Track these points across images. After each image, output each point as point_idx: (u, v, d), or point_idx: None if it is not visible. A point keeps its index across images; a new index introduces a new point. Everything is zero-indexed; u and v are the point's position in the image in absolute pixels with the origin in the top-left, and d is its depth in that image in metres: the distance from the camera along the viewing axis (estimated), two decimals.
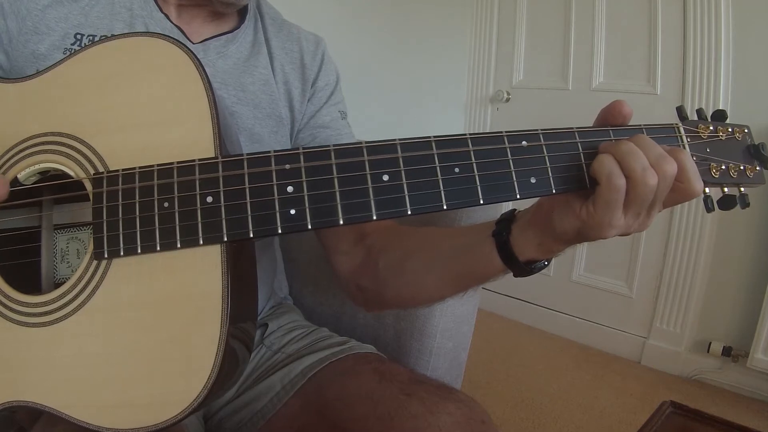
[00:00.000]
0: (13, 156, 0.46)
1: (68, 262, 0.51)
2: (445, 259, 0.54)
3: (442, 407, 0.52)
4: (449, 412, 0.51)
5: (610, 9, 1.92)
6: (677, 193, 0.41)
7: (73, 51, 0.51)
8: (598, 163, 0.40)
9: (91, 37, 0.59)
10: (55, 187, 0.48)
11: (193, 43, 0.63)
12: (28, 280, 0.49)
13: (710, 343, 1.76)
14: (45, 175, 0.47)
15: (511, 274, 0.49)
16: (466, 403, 0.54)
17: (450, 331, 0.75)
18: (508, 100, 2.22)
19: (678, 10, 1.76)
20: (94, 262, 0.42)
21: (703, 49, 1.71)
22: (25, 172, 0.45)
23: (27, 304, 0.43)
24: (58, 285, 0.43)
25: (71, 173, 0.44)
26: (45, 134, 0.45)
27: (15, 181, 0.46)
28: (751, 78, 1.65)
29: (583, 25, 1.98)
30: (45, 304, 0.42)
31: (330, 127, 0.71)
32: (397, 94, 2.06)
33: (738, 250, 1.71)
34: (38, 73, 0.47)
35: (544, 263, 0.47)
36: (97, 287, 0.42)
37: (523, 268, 0.47)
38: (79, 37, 0.59)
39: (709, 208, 0.44)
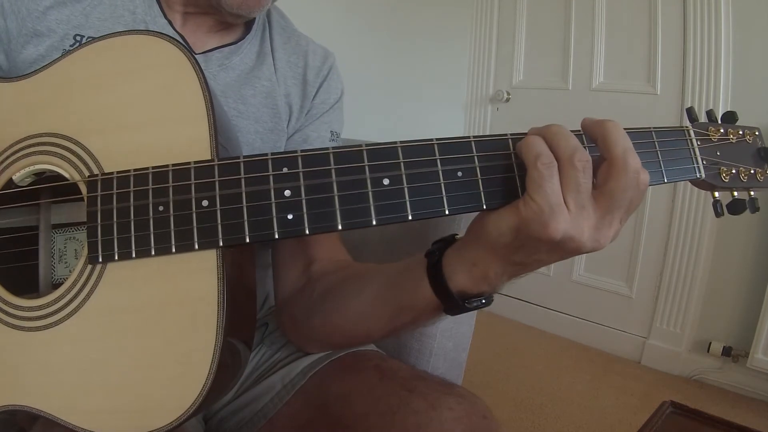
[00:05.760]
0: (8, 157, 0.45)
1: (66, 263, 0.50)
2: (375, 285, 0.52)
3: (443, 402, 0.51)
4: (450, 407, 0.51)
5: (610, 9, 1.92)
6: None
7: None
8: (524, 144, 0.38)
9: (90, 39, 0.58)
10: (52, 188, 0.48)
11: (195, 54, 0.62)
12: (27, 281, 0.49)
13: (710, 343, 1.76)
14: (40, 176, 0.46)
15: (444, 312, 0.45)
16: (467, 398, 0.53)
17: (450, 331, 0.75)
18: (508, 100, 2.22)
19: (678, 10, 1.75)
20: (89, 266, 0.41)
21: (703, 49, 1.71)
22: (20, 173, 0.45)
23: (23, 308, 0.42)
24: (56, 286, 0.43)
25: (66, 175, 0.44)
26: (40, 135, 0.45)
27: (10, 183, 0.45)
28: (751, 78, 1.65)
29: (583, 25, 1.98)
30: (40, 307, 0.42)
31: (313, 144, 0.69)
32: (397, 94, 2.06)
33: (738, 250, 1.71)
34: (34, 72, 0.47)
35: (481, 301, 0.43)
36: (91, 291, 0.41)
37: (456, 301, 0.43)
38: (78, 38, 0.58)
39: (718, 213, 0.44)
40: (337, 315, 0.55)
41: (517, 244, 0.39)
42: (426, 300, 0.46)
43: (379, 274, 0.54)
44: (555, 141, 0.38)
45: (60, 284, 0.42)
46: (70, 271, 0.47)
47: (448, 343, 0.75)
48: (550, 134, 0.38)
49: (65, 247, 0.50)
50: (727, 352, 1.72)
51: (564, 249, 0.38)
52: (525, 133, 0.40)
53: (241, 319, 0.44)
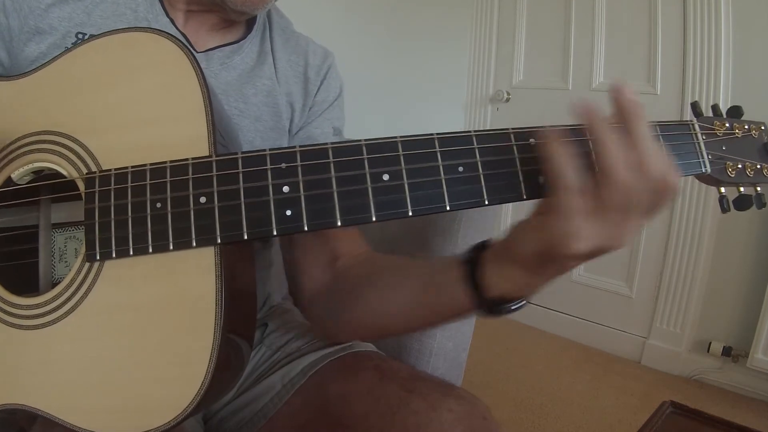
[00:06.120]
0: (6, 155, 0.45)
1: (66, 262, 0.50)
2: (410, 283, 0.52)
3: (443, 403, 0.51)
4: (450, 408, 0.51)
5: (610, 9, 1.91)
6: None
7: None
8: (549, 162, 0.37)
9: (91, 37, 0.58)
10: (51, 186, 0.47)
11: (197, 52, 0.62)
12: (27, 280, 0.49)
13: (710, 343, 1.76)
14: (39, 174, 0.46)
15: (480, 312, 0.46)
16: (467, 399, 0.53)
17: (450, 331, 0.75)
18: (508, 100, 2.22)
19: (678, 10, 1.75)
20: (87, 264, 0.41)
21: (703, 49, 1.70)
22: (19, 171, 0.45)
23: (21, 306, 0.42)
24: (56, 285, 0.43)
25: (64, 173, 0.43)
26: (39, 133, 0.45)
27: (9, 181, 0.45)
28: (751, 78, 1.65)
29: (583, 25, 1.98)
30: (38, 306, 0.42)
31: (317, 141, 0.69)
32: (397, 94, 2.05)
33: (738, 250, 1.71)
34: (33, 70, 0.46)
35: (516, 304, 0.44)
36: (89, 290, 0.41)
37: (492, 306, 0.44)
38: (80, 36, 0.58)
39: (724, 209, 0.43)
40: (368, 312, 0.55)
41: (542, 264, 0.40)
42: (462, 301, 0.46)
43: (411, 271, 0.53)
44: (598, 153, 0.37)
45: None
46: (69, 271, 0.47)
47: (448, 343, 0.75)
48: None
49: (65, 246, 0.50)
50: (727, 352, 1.72)
51: (592, 258, 0.39)
52: (527, 128, 0.40)
53: (241, 318, 0.44)
